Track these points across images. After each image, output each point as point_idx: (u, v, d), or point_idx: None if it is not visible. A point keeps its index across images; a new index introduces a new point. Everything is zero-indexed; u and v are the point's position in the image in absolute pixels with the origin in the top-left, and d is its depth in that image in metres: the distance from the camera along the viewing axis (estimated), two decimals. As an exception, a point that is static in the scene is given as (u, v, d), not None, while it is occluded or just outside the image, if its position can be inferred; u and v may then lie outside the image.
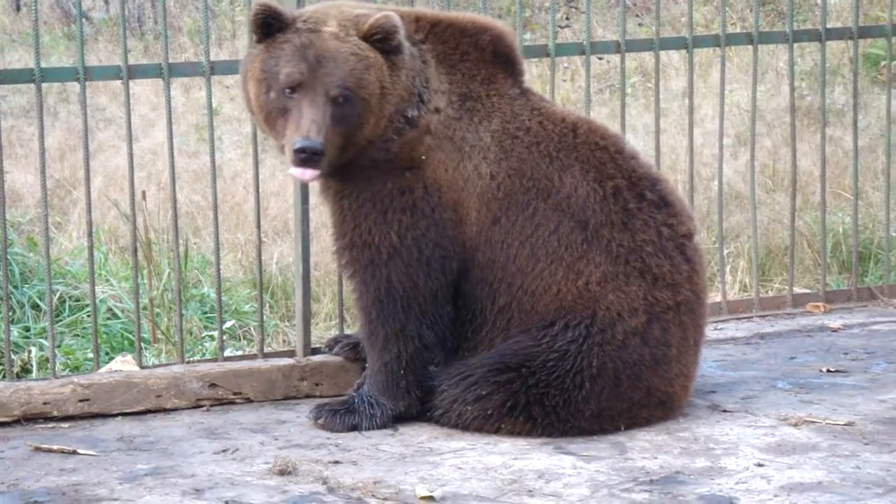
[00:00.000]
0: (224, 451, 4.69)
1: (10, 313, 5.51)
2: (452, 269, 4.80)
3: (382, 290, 4.79)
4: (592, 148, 4.82)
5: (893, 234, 6.53)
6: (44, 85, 5.28)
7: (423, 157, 4.75)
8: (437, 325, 4.82)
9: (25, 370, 5.69)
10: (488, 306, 4.81)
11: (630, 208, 4.76)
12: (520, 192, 4.77)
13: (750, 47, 6.05)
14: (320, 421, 4.85)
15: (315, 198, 5.36)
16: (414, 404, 4.84)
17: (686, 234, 4.84)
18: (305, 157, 4.55)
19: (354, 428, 4.81)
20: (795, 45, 6.21)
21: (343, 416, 4.84)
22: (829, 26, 6.32)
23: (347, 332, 5.47)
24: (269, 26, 4.68)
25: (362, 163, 4.76)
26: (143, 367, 5.28)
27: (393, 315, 4.80)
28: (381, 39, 4.65)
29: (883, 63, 8.52)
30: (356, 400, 4.86)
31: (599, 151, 4.82)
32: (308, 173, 4.62)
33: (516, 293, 4.77)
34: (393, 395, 4.84)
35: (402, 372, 4.82)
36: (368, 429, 4.81)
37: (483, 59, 4.86)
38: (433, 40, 4.84)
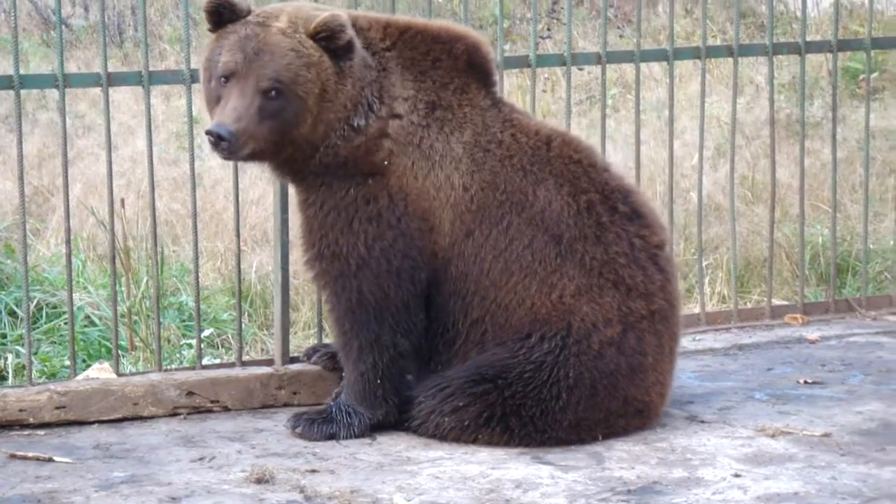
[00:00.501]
0: (201, 459, 4.68)
1: (-12, 320, 5.49)
2: (422, 279, 4.80)
3: (354, 301, 4.79)
4: (566, 161, 4.82)
5: (871, 247, 6.56)
6: (22, 92, 5.28)
7: (386, 163, 4.74)
8: (411, 334, 4.82)
9: (1, 377, 5.68)
10: (461, 319, 4.82)
11: (603, 221, 4.77)
12: (493, 206, 4.77)
13: (729, 59, 6.07)
14: (298, 430, 4.84)
15: (295, 204, 5.37)
16: (391, 412, 4.84)
17: (658, 244, 4.85)
18: (213, 141, 4.58)
19: (332, 437, 4.81)
20: (774, 58, 6.24)
21: (321, 425, 4.83)
22: (808, 39, 6.35)
23: (325, 341, 5.46)
24: (220, 16, 4.70)
25: (314, 167, 4.77)
26: (120, 375, 5.27)
27: (366, 325, 4.80)
28: (326, 38, 4.63)
29: (861, 76, 8.55)
30: (334, 409, 4.86)
31: (573, 165, 4.83)
32: (222, 157, 4.69)
33: (489, 307, 4.77)
34: (370, 404, 4.83)
35: (378, 381, 4.82)
36: (346, 437, 4.81)
37: (456, 67, 4.86)
38: (401, 46, 4.82)
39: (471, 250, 4.77)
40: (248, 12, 4.71)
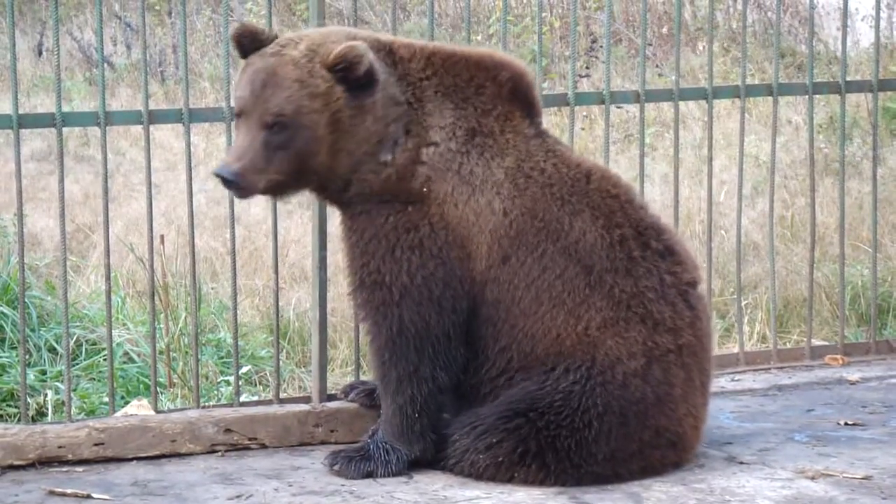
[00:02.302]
0: (238, 496, 4.67)
1: (27, 356, 5.50)
2: (463, 308, 4.77)
3: (394, 331, 4.77)
4: (604, 195, 4.81)
5: (913, 288, 6.52)
6: (65, 129, 5.30)
7: (424, 189, 4.72)
8: (450, 368, 4.80)
9: (41, 413, 5.69)
10: (491, 345, 4.79)
11: (634, 256, 4.75)
12: (531, 233, 4.75)
13: (766, 98, 6.05)
14: (336, 468, 4.82)
15: (334, 244, 5.37)
16: (429, 449, 4.81)
17: (690, 281, 4.83)
18: (223, 183, 4.62)
19: (370, 475, 4.79)
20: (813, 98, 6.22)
21: (358, 462, 4.81)
22: (847, 79, 6.33)
23: (364, 378, 5.44)
24: (243, 46, 4.70)
25: (351, 197, 4.77)
26: (158, 412, 5.27)
27: (406, 356, 4.78)
28: (343, 69, 4.61)
29: (901, 116, 8.52)
30: (371, 446, 4.84)
31: (610, 199, 4.81)
32: (237, 196, 4.81)
33: (517, 335, 4.75)
34: (408, 440, 4.81)
35: (416, 415, 4.79)
36: (384, 476, 4.79)
37: (500, 94, 4.84)
38: (442, 73, 4.80)
39: (505, 276, 4.74)
40: (272, 39, 4.70)
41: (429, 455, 4.82)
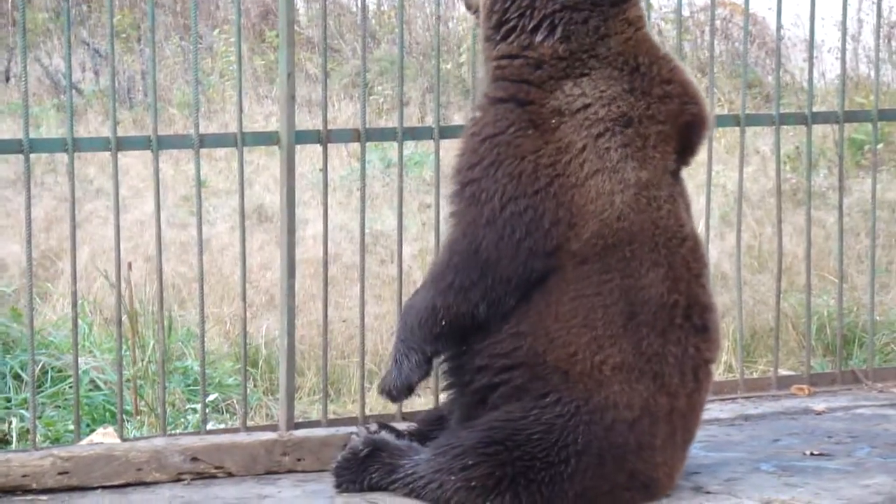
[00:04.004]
0: (204, 526, 4.65)
1: (-7, 383, 5.48)
2: (535, 268, 4.67)
3: (473, 247, 4.69)
4: (684, 263, 4.74)
5: (878, 318, 6.54)
6: (32, 155, 5.29)
7: (553, 122, 4.68)
8: (492, 307, 4.68)
9: (5, 441, 5.65)
10: (512, 322, 4.70)
11: (675, 322, 4.70)
12: (617, 253, 4.68)
13: (735, 129, 6.07)
14: (382, 386, 4.79)
15: (301, 271, 5.35)
16: (425, 365, 4.75)
17: (708, 359, 4.81)
18: None
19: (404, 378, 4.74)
20: (780, 128, 6.26)
21: (390, 370, 4.77)
22: (814, 110, 6.37)
23: (331, 408, 5.42)
24: None
25: (492, 67, 4.82)
26: (124, 440, 5.25)
27: (469, 272, 4.68)
28: None
29: (867, 147, 8.56)
30: (396, 352, 4.78)
31: (684, 270, 4.75)
32: None
33: (539, 330, 4.67)
34: (422, 339, 4.73)
35: (442, 322, 4.70)
36: (408, 373, 4.73)
37: (676, 118, 4.76)
38: (644, 59, 4.75)
39: (572, 274, 4.68)
40: None
41: (422, 373, 4.75)
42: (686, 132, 4.81)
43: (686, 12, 7.83)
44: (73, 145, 5.26)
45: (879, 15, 6.51)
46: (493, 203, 4.67)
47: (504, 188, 4.66)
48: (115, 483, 4.98)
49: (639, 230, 4.68)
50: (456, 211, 4.79)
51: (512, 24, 4.72)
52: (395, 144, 5.69)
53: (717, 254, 7.38)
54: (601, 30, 4.72)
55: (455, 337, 4.75)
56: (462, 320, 4.72)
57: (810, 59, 6.33)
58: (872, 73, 6.98)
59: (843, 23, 6.24)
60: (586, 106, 4.67)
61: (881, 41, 6.81)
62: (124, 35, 12.94)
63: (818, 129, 6.47)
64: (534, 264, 4.67)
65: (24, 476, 4.91)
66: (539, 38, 4.69)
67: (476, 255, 4.69)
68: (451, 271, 4.72)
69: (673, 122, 4.76)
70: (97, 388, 6.27)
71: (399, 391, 4.74)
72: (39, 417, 5.66)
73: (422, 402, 5.71)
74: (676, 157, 4.80)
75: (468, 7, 4.94)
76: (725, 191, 7.37)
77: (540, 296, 4.69)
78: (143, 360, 6.36)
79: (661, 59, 4.78)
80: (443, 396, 5.10)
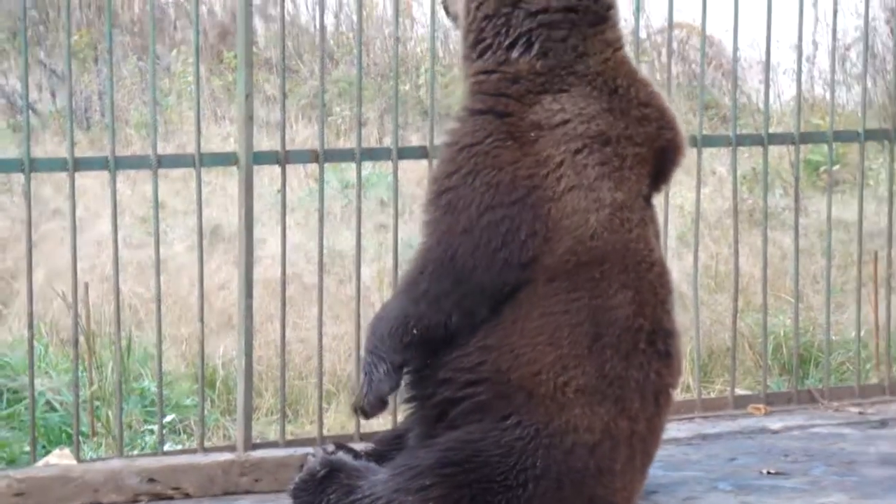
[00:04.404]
0: (161, 547, 4.63)
1: (-52, 405, 5.44)
2: (507, 281, 4.62)
3: (448, 255, 4.63)
4: (650, 288, 4.73)
5: (833, 338, 6.57)
6: (-11, 175, 5.27)
7: (532, 134, 4.65)
8: (464, 318, 4.63)
9: (-40, 463, 5.62)
10: (480, 336, 4.65)
11: (639, 347, 4.68)
12: (586, 273, 4.66)
13: (692, 150, 6.09)
14: (354, 404, 4.72)
15: (259, 291, 5.34)
16: (396, 374, 4.65)
17: (669, 384, 4.80)
18: None
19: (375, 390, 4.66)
20: (737, 149, 6.29)
21: (363, 385, 4.66)
22: (770, 132, 6.40)
23: (289, 429, 5.41)
24: None
25: (470, 80, 4.82)
26: (80, 461, 5.22)
27: (441, 280, 4.62)
28: None
29: (823, 168, 8.61)
30: (364, 364, 4.68)
31: (651, 295, 4.74)
32: None
33: (505, 346, 4.62)
34: (391, 348, 4.66)
35: (413, 330, 4.63)
36: (377, 385, 4.66)
37: (653, 142, 4.73)
38: (624, 81, 4.73)
39: (543, 290, 4.65)
40: None
41: (391, 384, 4.66)
42: (661, 157, 4.81)
43: (643, 34, 7.85)
44: (30, 165, 5.24)
45: (834, 38, 6.55)
46: (470, 211, 4.64)
47: (481, 197, 4.63)
48: (72, 504, 4.98)
49: (611, 251, 4.68)
50: (431, 220, 4.76)
51: (488, 42, 4.72)
52: (353, 165, 5.69)
53: (675, 274, 7.35)
54: (580, 48, 4.71)
55: (425, 348, 4.67)
56: (434, 331, 4.67)
57: (766, 80, 6.36)
58: (828, 95, 7.03)
59: (799, 45, 6.28)
60: (565, 121, 4.66)
61: (836, 63, 6.84)
62: (81, 55, 12.88)
63: (774, 150, 6.50)
64: (508, 276, 4.65)
65: (-21, 498, 4.90)
66: (515, 54, 4.69)
67: (451, 262, 4.65)
68: (424, 279, 4.68)
69: (650, 146, 4.76)
70: (53, 409, 6.24)
71: (372, 405, 4.67)
72: (-5, 439, 5.63)
73: (379, 422, 5.70)
74: (650, 182, 4.81)
75: (447, 13, 4.92)
76: (682, 211, 7.40)
77: (509, 310, 4.67)
78: (99, 381, 6.33)
79: (639, 81, 4.79)
80: (401, 417, 5.09)
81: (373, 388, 4.66)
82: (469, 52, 4.77)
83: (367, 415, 4.70)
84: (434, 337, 4.66)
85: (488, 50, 4.72)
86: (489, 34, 4.71)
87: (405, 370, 4.74)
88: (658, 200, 4.95)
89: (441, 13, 5.11)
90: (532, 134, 4.64)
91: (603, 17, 4.77)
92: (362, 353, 4.72)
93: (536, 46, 4.69)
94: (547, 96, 4.68)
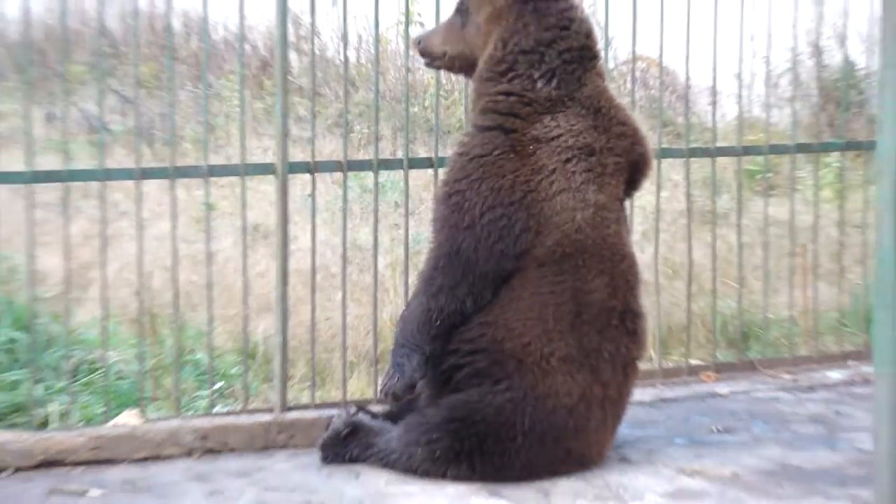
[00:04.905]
0: (212, 493, 4.60)
1: (36, 374, 5.43)
2: (505, 268, 4.63)
3: (454, 250, 4.64)
4: (622, 276, 4.71)
5: (770, 316, 6.55)
6: (71, 183, 5.26)
7: (531, 147, 4.68)
8: (475, 301, 4.63)
9: (46, 423, 5.58)
10: (482, 313, 4.65)
11: (611, 324, 4.67)
12: (571, 262, 4.64)
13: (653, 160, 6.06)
14: (384, 385, 4.66)
15: (294, 279, 5.30)
16: (422, 364, 4.64)
17: (636, 356, 4.79)
18: (414, 44, 5.03)
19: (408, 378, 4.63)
20: (690, 160, 6.28)
21: (389, 376, 4.65)
22: (718, 146, 6.38)
23: (318, 394, 5.37)
24: None
25: (480, 103, 4.88)
26: (145, 421, 5.20)
27: (454, 273, 4.63)
28: None
29: (759, 176, 8.59)
30: (392, 359, 4.67)
31: (623, 281, 4.71)
32: None
33: (501, 321, 4.63)
34: (422, 340, 4.64)
35: (436, 322, 4.62)
36: (410, 373, 4.62)
37: (628, 154, 4.76)
38: (606, 103, 4.76)
39: (534, 275, 4.63)
40: None
41: (418, 375, 4.63)
42: (634, 168, 4.81)
43: (611, 64, 7.83)
44: (105, 175, 5.24)
45: (768, 68, 6.54)
46: (474, 211, 4.63)
47: (484, 199, 4.62)
48: (137, 457, 4.96)
49: (591, 244, 4.66)
50: (439, 217, 4.73)
51: (520, 71, 4.70)
52: (371, 173, 5.67)
53: (640, 264, 7.38)
54: (581, 79, 4.73)
55: (447, 333, 4.67)
56: (453, 317, 4.65)
57: (714, 103, 6.35)
58: (763, 115, 6.99)
59: (739, 74, 6.26)
60: (558, 136, 4.65)
61: (770, 89, 6.82)
62: (147, 83, 12.85)
63: (720, 161, 6.45)
64: (505, 264, 4.63)
65: (61, 451, 4.89)
66: (540, 84, 4.69)
67: (457, 255, 4.63)
68: (438, 275, 4.66)
69: (626, 157, 4.76)
70: (122, 377, 6.21)
71: (403, 391, 4.64)
72: (75, 402, 5.60)
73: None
74: (624, 188, 4.80)
75: (425, 55, 4.89)
76: (645, 211, 7.34)
77: (505, 292, 4.65)
78: (160, 354, 6.31)
79: (617, 104, 4.81)
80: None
81: (405, 375, 4.63)
82: (494, 76, 4.73)
83: (399, 398, 4.66)
84: (454, 322, 4.66)
85: (517, 77, 4.70)
86: (522, 66, 4.70)
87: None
88: (626, 203, 4.92)
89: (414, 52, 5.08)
90: (531, 147, 4.64)
91: (596, 54, 4.78)
92: (394, 345, 4.68)
93: (556, 79, 4.69)
94: (547, 116, 4.68)
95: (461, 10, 4.82)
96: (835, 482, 4.74)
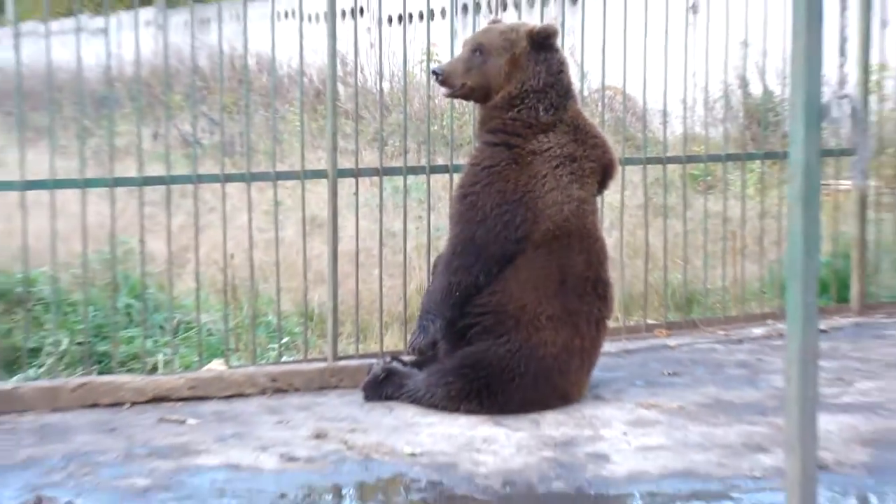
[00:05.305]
0: (280, 422, 4.63)
1: (146, 331, 5.46)
2: (508, 251, 4.62)
3: (469, 237, 4.65)
4: (595, 254, 4.73)
5: (708, 287, 6.54)
6: (172, 186, 5.27)
7: (529, 159, 4.66)
8: (487, 276, 4.63)
9: (155, 368, 5.62)
10: (492, 285, 4.64)
11: (587, 290, 4.68)
12: (559, 243, 4.64)
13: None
14: (412, 341, 4.68)
15: (341, 258, 5.31)
16: (441, 326, 4.64)
17: (605, 316, 4.79)
18: (434, 76, 4.83)
19: (431, 337, 4.64)
20: (647, 166, 6.25)
21: (416, 335, 4.67)
22: (668, 155, 6.37)
23: (361, 348, 5.37)
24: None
25: (489, 123, 4.83)
26: (230, 368, 5.22)
27: (470, 255, 4.63)
28: (541, 35, 4.74)
29: (700, 178, 8.55)
30: (419, 321, 4.69)
31: (597, 258, 4.73)
32: None
33: (504, 289, 4.63)
34: (444, 309, 4.64)
35: (455, 293, 4.63)
36: (433, 333, 4.62)
37: (600, 161, 4.76)
38: (583, 122, 4.75)
39: (531, 255, 4.63)
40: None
41: (436, 336, 4.63)
42: (604, 171, 4.83)
43: (586, 93, 7.82)
44: (198, 179, 5.25)
45: (706, 95, 6.51)
46: (485, 208, 4.65)
47: (493, 199, 4.65)
48: (224, 395, 4.99)
49: (574, 229, 4.68)
50: (456, 213, 4.76)
51: (529, 104, 4.71)
52: (401, 177, 5.67)
53: (608, 245, 7.36)
54: (565, 107, 4.76)
55: (463, 302, 4.68)
56: (468, 290, 4.66)
57: (664, 122, 6.33)
58: (703, 132, 6.97)
59: (684, 100, 6.24)
60: (549, 148, 4.69)
61: (707, 111, 6.80)
62: (228, 108, 12.86)
63: (670, 167, 6.45)
64: (509, 247, 4.65)
65: (167, 390, 4.92)
66: (542, 113, 4.71)
67: (472, 242, 4.65)
68: (456, 258, 4.68)
69: (598, 162, 4.79)
70: (211, 334, 6.23)
71: (427, 346, 4.68)
72: (176, 353, 5.63)
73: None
74: (597, 187, 4.82)
75: (446, 85, 4.81)
76: (612, 206, 7.32)
77: (508, 268, 4.66)
78: (240, 316, 6.31)
79: (590, 124, 4.86)
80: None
81: (429, 335, 4.66)
82: (508, 106, 4.72)
83: (423, 352, 4.69)
84: (469, 293, 4.68)
85: (525, 108, 4.70)
86: (531, 100, 4.71)
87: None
88: (598, 198, 4.92)
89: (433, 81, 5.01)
90: (529, 158, 4.66)
91: (572, 88, 4.75)
92: (421, 312, 4.70)
93: (552, 109, 4.70)
94: (541, 135, 4.71)
95: (481, 51, 4.75)
96: (756, 412, 4.75)
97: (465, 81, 4.79)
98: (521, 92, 4.70)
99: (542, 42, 4.69)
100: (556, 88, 4.72)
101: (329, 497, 3.84)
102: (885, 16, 6.51)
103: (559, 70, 4.74)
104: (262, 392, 5.04)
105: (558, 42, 4.77)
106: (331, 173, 5.40)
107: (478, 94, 4.82)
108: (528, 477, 3.98)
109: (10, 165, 6.02)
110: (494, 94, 4.73)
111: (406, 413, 4.72)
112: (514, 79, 4.69)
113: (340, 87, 13.17)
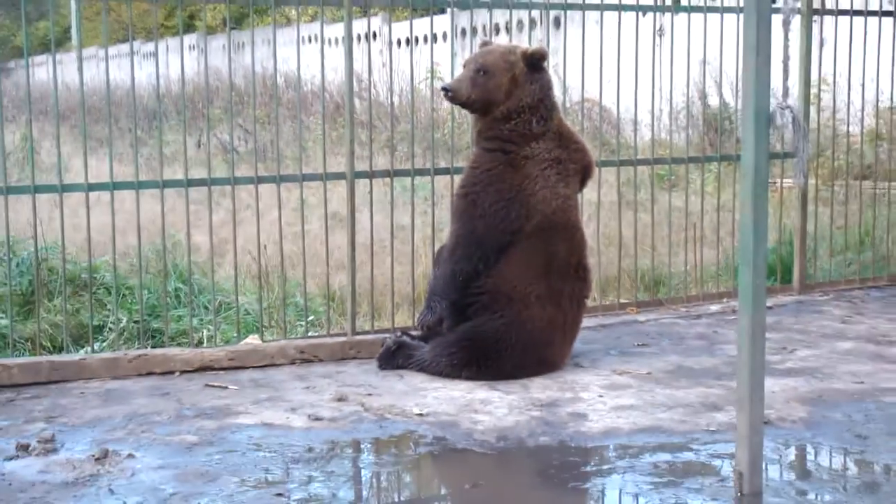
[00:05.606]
0: (307, 388, 4.65)
1: (192, 311, 5.47)
2: (503, 242, 4.62)
3: (470, 230, 4.64)
4: (577, 242, 4.73)
5: (672, 270, 6.55)
6: (213, 187, 5.28)
7: (523, 162, 4.65)
8: (485, 264, 4.63)
9: (200, 342, 5.64)
10: (489, 271, 4.64)
11: (569, 273, 4.69)
12: (546, 233, 4.64)
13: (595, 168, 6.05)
14: (420, 319, 4.69)
15: (358, 248, 5.32)
16: (442, 308, 4.65)
17: (585, 295, 4.80)
18: (443, 91, 4.74)
19: (436, 315, 4.65)
20: (620, 168, 6.26)
21: (424, 314, 4.69)
22: (638, 158, 6.37)
23: (377, 325, 5.36)
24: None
25: (487, 133, 4.78)
26: (264, 342, 5.24)
27: (470, 245, 4.63)
28: (533, 56, 4.70)
29: (665, 178, 8.55)
30: (428, 301, 4.69)
31: (578, 246, 4.73)
32: None
33: (499, 274, 4.63)
34: (448, 292, 4.66)
35: (459, 279, 4.64)
36: (439, 312, 4.62)
37: (581, 163, 4.76)
38: (566, 130, 4.75)
39: (524, 244, 4.63)
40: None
41: (446, 312, 4.63)
42: (584, 172, 4.85)
43: (568, 104, 7.84)
44: (234, 181, 5.25)
45: (671, 106, 6.51)
46: (484, 205, 4.66)
47: (491, 197, 4.66)
48: (259, 365, 5.01)
49: (559, 222, 4.70)
50: (458, 209, 4.77)
51: (524, 117, 4.71)
52: (410, 178, 5.67)
53: (587, 236, 7.37)
54: (551, 117, 4.76)
55: (465, 286, 4.70)
56: (470, 275, 4.68)
57: (635, 130, 6.32)
58: (668, 138, 6.97)
59: (652, 110, 6.23)
60: (539, 153, 4.71)
61: (672, 120, 6.80)
62: (261, 120, 12.85)
63: (640, 168, 6.45)
64: (504, 239, 4.67)
65: (211, 360, 4.94)
66: (535, 125, 4.71)
67: (472, 234, 4.67)
68: (459, 248, 4.70)
69: (579, 164, 4.80)
70: (248, 313, 6.25)
71: (434, 324, 4.71)
72: (218, 329, 5.65)
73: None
74: (578, 186, 4.84)
75: (455, 99, 4.75)
76: (590, 202, 7.34)
77: (503, 256, 4.68)
78: (272, 298, 6.33)
79: (572, 131, 4.87)
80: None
81: (435, 314, 4.68)
82: (506, 118, 4.71)
83: (430, 328, 4.71)
84: (470, 278, 4.69)
85: (521, 121, 4.70)
86: (527, 114, 4.71)
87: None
88: (579, 195, 4.92)
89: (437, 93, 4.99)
90: (522, 162, 4.68)
91: (556, 101, 4.78)
92: (428, 294, 4.72)
93: (542, 120, 4.70)
94: (533, 142, 4.71)
95: (485, 71, 4.72)
96: (713, 377, 4.77)
97: (470, 95, 4.79)
98: (518, 107, 4.71)
99: (536, 63, 4.70)
100: (546, 103, 4.73)
101: (349, 451, 3.86)
102: (823, 37, 6.51)
103: (548, 87, 4.76)
104: (292, 362, 5.06)
105: (547, 62, 4.78)
106: (349, 175, 5.41)
107: (480, 105, 4.81)
108: (518, 433, 4.01)
109: (76, 170, 6.03)
110: (495, 108, 4.72)
111: (415, 379, 4.74)
112: (513, 95, 4.69)
113: (357, 101, 13.17)
